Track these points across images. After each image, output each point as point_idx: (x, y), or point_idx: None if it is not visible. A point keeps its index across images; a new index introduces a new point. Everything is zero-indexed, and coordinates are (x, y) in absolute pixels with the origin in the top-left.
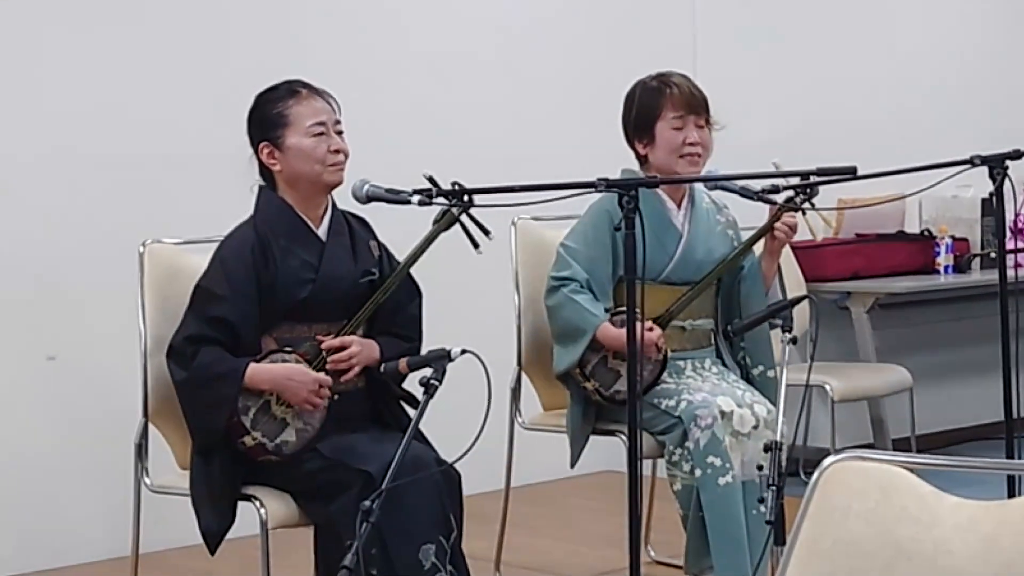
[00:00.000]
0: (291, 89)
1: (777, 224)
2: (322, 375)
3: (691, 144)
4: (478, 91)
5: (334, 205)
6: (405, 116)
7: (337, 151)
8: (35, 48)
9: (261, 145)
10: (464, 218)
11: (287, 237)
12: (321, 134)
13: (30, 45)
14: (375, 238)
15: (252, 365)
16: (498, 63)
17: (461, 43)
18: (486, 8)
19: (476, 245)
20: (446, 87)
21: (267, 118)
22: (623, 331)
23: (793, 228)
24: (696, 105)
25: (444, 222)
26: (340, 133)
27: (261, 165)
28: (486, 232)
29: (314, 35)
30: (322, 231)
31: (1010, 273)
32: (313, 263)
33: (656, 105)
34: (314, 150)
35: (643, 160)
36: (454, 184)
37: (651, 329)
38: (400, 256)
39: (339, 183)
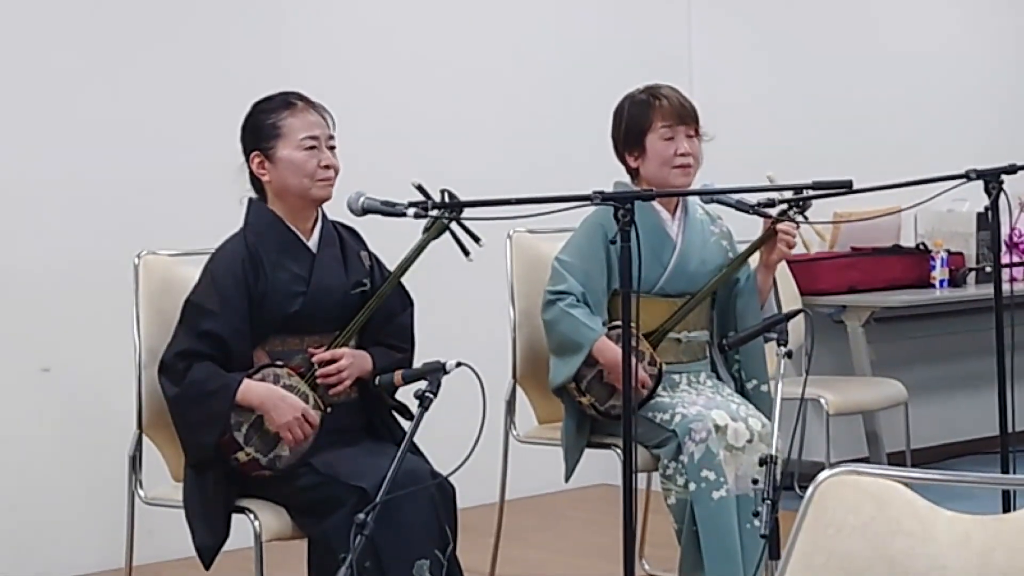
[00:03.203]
0: (287, 101)
1: (780, 227)
2: (311, 410)
3: (682, 155)
4: (474, 104)
5: (324, 216)
6: (401, 129)
7: (327, 166)
8: (32, 64)
9: (252, 155)
10: (454, 226)
11: (277, 250)
12: (313, 148)
13: (28, 61)
14: (366, 248)
15: (245, 382)
16: (494, 77)
17: (456, 57)
18: (481, 22)
19: (467, 253)
20: (441, 101)
21: (261, 128)
22: (619, 349)
23: (794, 234)
24: (685, 116)
25: (434, 230)
26: (332, 148)
27: (251, 175)
28: (476, 239)
29: (307, 48)
30: (312, 243)
31: (1005, 287)
32: (304, 276)
33: (646, 117)
34: (304, 164)
35: (634, 173)
36: (443, 192)
37: (652, 363)
38: (391, 266)
39: (327, 198)
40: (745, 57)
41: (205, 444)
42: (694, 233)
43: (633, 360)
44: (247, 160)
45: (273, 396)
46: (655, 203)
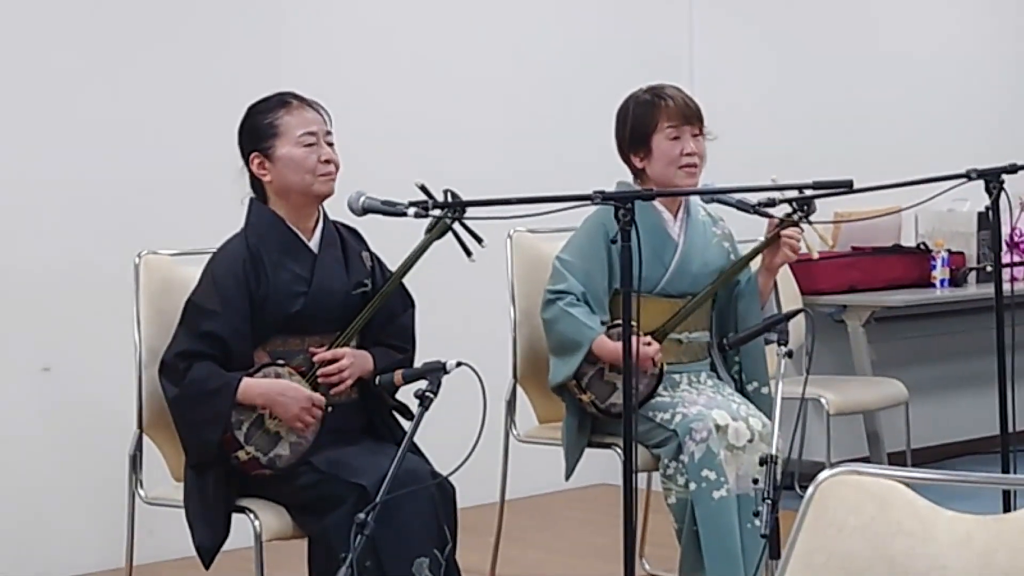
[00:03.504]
0: (282, 100)
1: (785, 232)
2: (315, 394)
3: (688, 154)
4: (474, 105)
5: (325, 216)
6: (402, 129)
7: (327, 161)
8: (26, 61)
9: (252, 156)
10: (456, 226)
11: (278, 250)
12: (312, 144)
13: (28, 61)
14: (367, 249)
15: (245, 380)
16: (494, 77)
17: (457, 57)
18: (481, 22)
19: (469, 253)
20: (442, 101)
21: (258, 128)
22: (619, 344)
23: (798, 240)
24: (691, 115)
25: (436, 231)
26: (331, 144)
27: (252, 176)
28: (479, 240)
29: (307, 49)
30: (314, 243)
31: (1006, 287)
32: (305, 276)
33: (651, 117)
34: (304, 160)
35: (639, 173)
36: (446, 193)
37: (649, 344)
38: (393, 266)
39: (329, 194)
40: (746, 58)
41: (207, 444)
42: (696, 234)
43: (635, 346)
44: (246, 163)
45: (274, 392)
46: (657, 204)
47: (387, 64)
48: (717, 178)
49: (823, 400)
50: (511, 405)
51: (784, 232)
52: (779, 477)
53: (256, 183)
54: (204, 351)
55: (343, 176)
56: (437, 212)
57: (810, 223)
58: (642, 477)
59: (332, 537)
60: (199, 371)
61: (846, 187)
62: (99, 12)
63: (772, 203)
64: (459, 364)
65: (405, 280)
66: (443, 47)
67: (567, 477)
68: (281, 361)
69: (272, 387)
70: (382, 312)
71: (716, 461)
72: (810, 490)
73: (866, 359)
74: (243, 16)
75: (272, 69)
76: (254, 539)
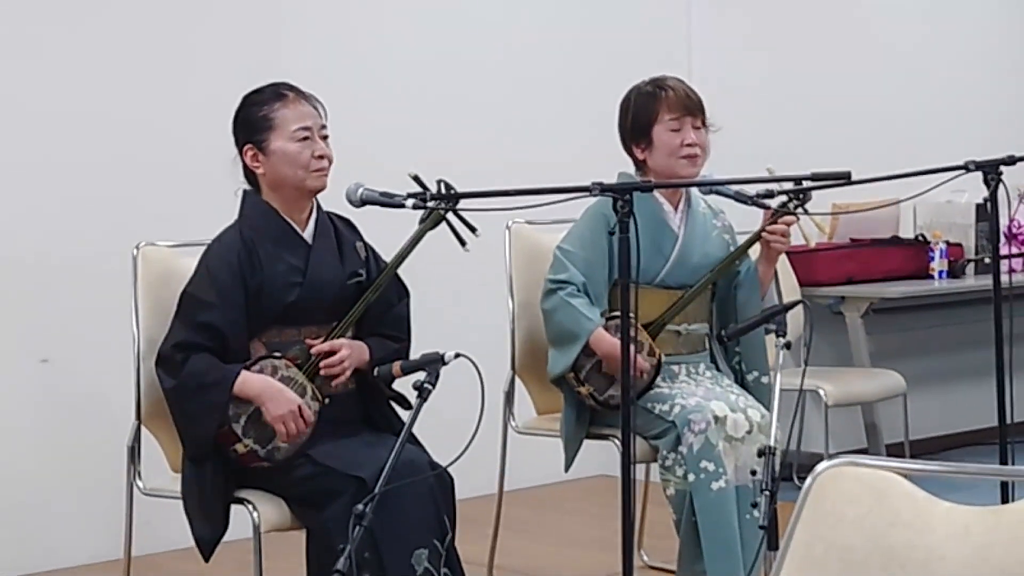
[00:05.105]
0: (277, 92)
1: (765, 234)
2: (308, 407)
3: (689, 145)
4: (474, 97)
5: (319, 207)
6: (402, 121)
7: (321, 157)
8: (24, 53)
9: (245, 147)
10: (451, 216)
11: (273, 241)
12: (306, 139)
13: (19, 50)
14: (361, 239)
15: (243, 373)
16: (494, 68)
17: (457, 48)
18: (482, 14)
19: (463, 243)
20: (442, 92)
21: (252, 120)
22: (616, 341)
23: (785, 234)
24: (692, 106)
25: (430, 221)
26: (325, 138)
27: (245, 167)
28: (473, 229)
29: (305, 38)
30: (308, 234)
31: (1004, 278)
32: (300, 266)
33: (652, 109)
34: (298, 155)
35: (641, 165)
36: (440, 182)
37: (641, 346)
38: (387, 257)
39: (322, 188)
40: (744, 50)
41: (203, 436)
42: (697, 226)
43: (632, 350)
44: (240, 153)
45: (270, 388)
46: (658, 195)
47: (386, 55)
48: (716, 170)
49: (821, 392)
50: (510, 396)
51: (767, 229)
52: (777, 468)
53: (249, 173)
54: (201, 342)
55: (340, 167)
56: (435, 204)
57: (806, 212)
58: (640, 468)
59: (331, 529)
60: (196, 363)
61: (844, 179)
62: (99, 6)
63: (770, 194)
64: (457, 355)
65: (402, 271)
66: (443, 39)
67: (566, 469)
68: (278, 353)
69: (269, 384)
70: (378, 302)
71: (715, 452)
72: (808, 481)
73: (864, 351)
74: (242, 8)
75: (270, 60)
76: (253, 531)
